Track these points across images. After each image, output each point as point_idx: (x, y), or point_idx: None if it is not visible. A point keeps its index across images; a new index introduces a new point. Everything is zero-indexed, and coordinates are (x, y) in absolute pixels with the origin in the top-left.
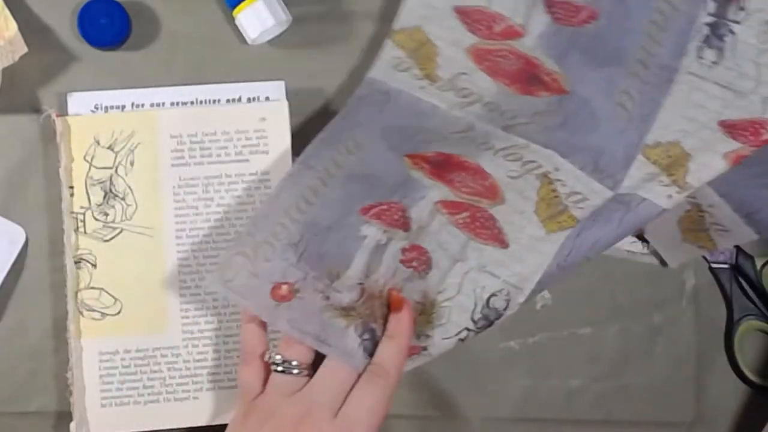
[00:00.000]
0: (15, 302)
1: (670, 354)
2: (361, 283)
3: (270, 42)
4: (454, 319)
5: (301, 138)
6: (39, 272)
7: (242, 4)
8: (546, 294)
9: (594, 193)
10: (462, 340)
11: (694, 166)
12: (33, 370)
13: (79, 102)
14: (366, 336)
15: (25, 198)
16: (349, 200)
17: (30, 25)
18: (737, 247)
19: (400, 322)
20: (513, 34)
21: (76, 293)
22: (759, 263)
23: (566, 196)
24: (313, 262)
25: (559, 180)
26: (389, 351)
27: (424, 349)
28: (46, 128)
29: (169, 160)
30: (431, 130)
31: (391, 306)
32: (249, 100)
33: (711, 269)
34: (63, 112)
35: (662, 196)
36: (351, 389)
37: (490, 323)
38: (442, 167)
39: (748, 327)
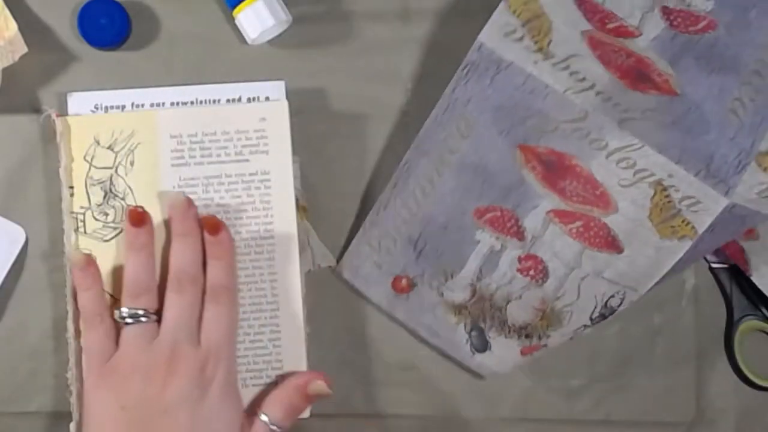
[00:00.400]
0: (15, 302)
1: (670, 354)
2: (472, 284)
3: (270, 42)
4: (574, 321)
5: (302, 138)
6: (39, 272)
7: (242, 4)
8: None
9: (707, 198)
10: (577, 334)
11: (557, 36)
12: (33, 370)
13: (79, 102)
14: (474, 333)
15: (25, 198)
16: (463, 196)
17: (30, 25)
18: None
19: (222, 244)
20: (626, 33)
21: (76, 293)
22: None
23: (679, 200)
24: (431, 260)
25: (672, 186)
26: (220, 271)
27: (544, 346)
28: (46, 128)
29: (169, 160)
30: (544, 113)
31: (207, 229)
32: (249, 100)
33: (711, 269)
34: (63, 112)
35: (529, 61)
36: (200, 316)
37: (604, 318)
38: (555, 171)
39: (748, 327)
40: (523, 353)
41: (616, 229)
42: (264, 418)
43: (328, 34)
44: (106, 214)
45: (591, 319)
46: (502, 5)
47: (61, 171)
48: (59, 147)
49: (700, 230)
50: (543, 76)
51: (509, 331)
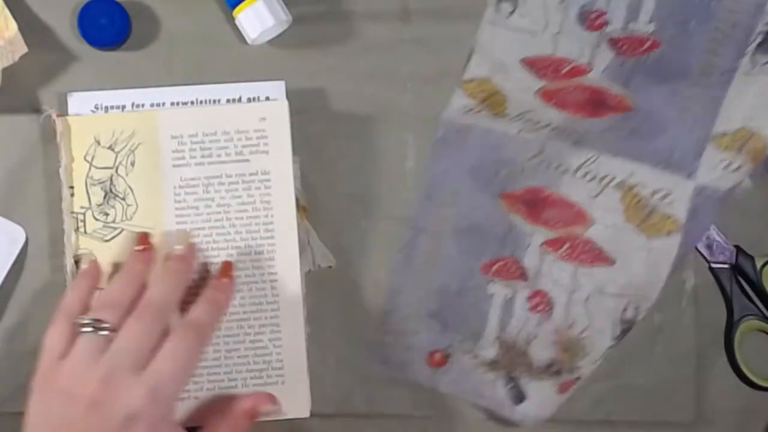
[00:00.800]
0: (15, 302)
1: (670, 354)
2: (498, 338)
3: (270, 42)
4: (597, 345)
5: (301, 138)
6: (39, 272)
7: (242, 4)
8: None
9: (674, 186)
10: (606, 358)
11: (512, 103)
12: (33, 370)
13: (79, 102)
14: (510, 385)
15: (25, 198)
16: (467, 258)
17: (30, 25)
18: (737, 247)
19: (224, 291)
20: (579, 72)
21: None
22: (759, 263)
23: (650, 195)
24: (457, 327)
25: (638, 183)
26: (206, 314)
27: (578, 378)
28: (46, 128)
29: (170, 160)
30: (510, 159)
31: (220, 271)
32: (249, 100)
33: (711, 269)
34: (63, 112)
35: (488, 121)
36: (163, 341)
37: (627, 332)
38: (534, 206)
39: (748, 327)
40: (560, 392)
41: (599, 240)
42: None
43: (328, 34)
44: (107, 214)
45: (614, 338)
46: (458, 90)
47: (61, 171)
48: (59, 147)
49: (682, 220)
50: (500, 128)
51: (539, 373)
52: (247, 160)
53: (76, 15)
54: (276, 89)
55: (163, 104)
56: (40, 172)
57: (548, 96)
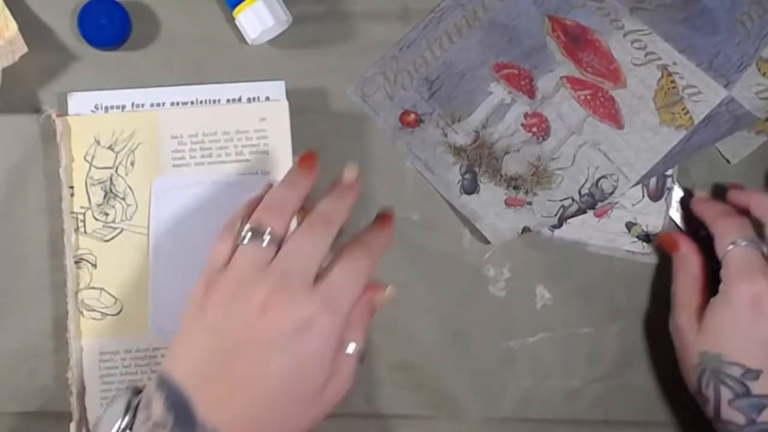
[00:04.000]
0: (15, 302)
1: (670, 354)
2: (477, 131)
3: (270, 42)
4: (564, 186)
5: (301, 138)
6: (39, 272)
7: (242, 4)
8: (546, 294)
9: (709, 89)
10: (564, 207)
11: None
12: (33, 370)
13: (79, 102)
14: (467, 175)
15: (25, 198)
16: (486, 49)
17: (30, 25)
18: None
19: (381, 237)
20: None
21: (76, 293)
22: None
23: (683, 88)
24: (442, 102)
25: (677, 73)
26: (374, 238)
27: (528, 203)
28: (46, 128)
29: (170, 160)
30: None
31: (377, 221)
32: (249, 100)
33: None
34: (63, 112)
35: None
36: (333, 260)
37: (594, 203)
38: (576, 42)
39: None
40: (507, 203)
41: (621, 103)
42: (352, 347)
43: (328, 34)
44: (106, 214)
45: (580, 193)
46: (752, 66)
47: (61, 171)
48: (59, 147)
49: (696, 120)
50: None
51: (500, 179)
52: (247, 160)
53: (76, 15)
54: (276, 89)
55: (163, 104)
56: (40, 172)
57: None
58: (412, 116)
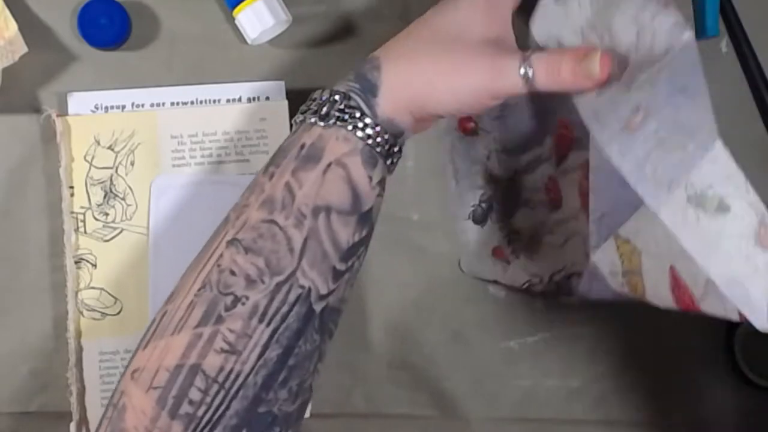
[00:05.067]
0: (15, 302)
1: (670, 354)
2: (516, 171)
3: (270, 42)
4: (541, 263)
5: None
6: (39, 272)
7: (242, 4)
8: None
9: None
10: (531, 284)
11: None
12: (33, 370)
13: (79, 102)
14: (483, 205)
15: (25, 198)
16: (565, 99)
17: (30, 25)
18: None
19: None
20: None
21: (76, 293)
22: None
23: None
24: (504, 128)
25: None
26: None
27: (507, 262)
28: (46, 128)
29: (170, 160)
30: None
31: None
32: (249, 100)
33: None
34: (63, 112)
35: None
36: None
37: (557, 294)
38: None
39: (748, 327)
40: (493, 252)
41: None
42: (525, 71)
43: (328, 34)
44: (106, 214)
45: (550, 278)
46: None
47: (61, 171)
48: (59, 147)
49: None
50: None
51: (504, 225)
52: (247, 160)
53: (76, 15)
54: (276, 89)
55: (163, 104)
56: (40, 172)
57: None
58: (472, 125)
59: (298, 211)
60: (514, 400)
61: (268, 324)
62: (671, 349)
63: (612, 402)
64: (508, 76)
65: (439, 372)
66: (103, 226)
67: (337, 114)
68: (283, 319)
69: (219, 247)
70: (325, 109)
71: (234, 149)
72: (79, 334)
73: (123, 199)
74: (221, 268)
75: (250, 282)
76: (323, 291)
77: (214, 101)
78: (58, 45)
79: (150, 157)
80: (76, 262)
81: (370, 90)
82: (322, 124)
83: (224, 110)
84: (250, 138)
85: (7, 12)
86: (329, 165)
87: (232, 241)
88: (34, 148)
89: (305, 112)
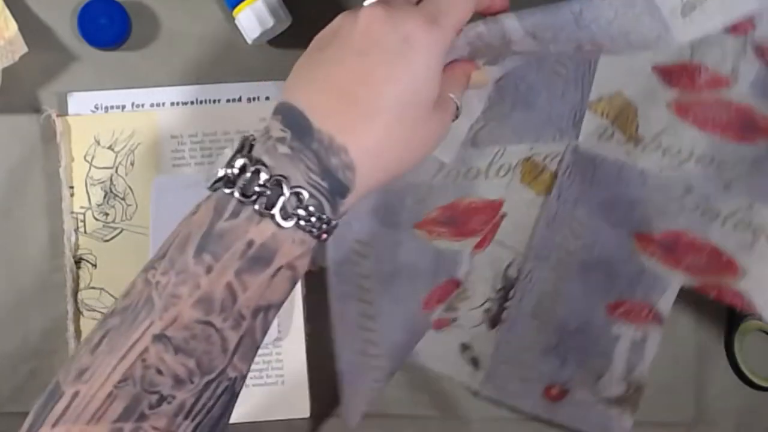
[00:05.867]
0: (15, 302)
1: (670, 354)
2: (626, 378)
3: (270, 42)
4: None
5: None
6: (39, 272)
7: (242, 4)
8: None
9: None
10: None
11: (643, 119)
12: (33, 370)
13: (79, 102)
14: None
15: (25, 198)
16: (592, 295)
17: (30, 25)
18: None
19: None
20: (719, 83)
21: (76, 293)
22: None
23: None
24: (577, 364)
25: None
26: None
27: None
28: (46, 128)
29: (170, 160)
30: (647, 199)
31: None
32: (249, 100)
33: None
34: (63, 112)
35: (620, 152)
36: None
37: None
38: (675, 251)
39: (748, 327)
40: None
41: (753, 293)
42: (453, 96)
43: None
44: (106, 214)
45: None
46: (588, 113)
47: (61, 171)
48: (59, 147)
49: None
50: (637, 163)
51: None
52: None
53: (76, 15)
54: (276, 89)
55: (163, 104)
56: (40, 172)
57: (683, 110)
58: (556, 389)
59: (238, 314)
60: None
61: (193, 419)
62: (671, 349)
63: None
64: (450, 124)
65: (439, 372)
66: (103, 226)
67: (298, 214)
68: (208, 412)
69: (143, 338)
70: (281, 205)
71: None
72: (79, 334)
73: (123, 199)
74: (146, 364)
75: (178, 382)
76: (246, 373)
77: (214, 101)
78: (58, 45)
79: (150, 157)
80: (76, 262)
81: (340, 192)
82: (280, 224)
83: (224, 110)
84: None
85: (7, 12)
86: (279, 269)
87: (160, 337)
88: (34, 148)
89: (249, 194)
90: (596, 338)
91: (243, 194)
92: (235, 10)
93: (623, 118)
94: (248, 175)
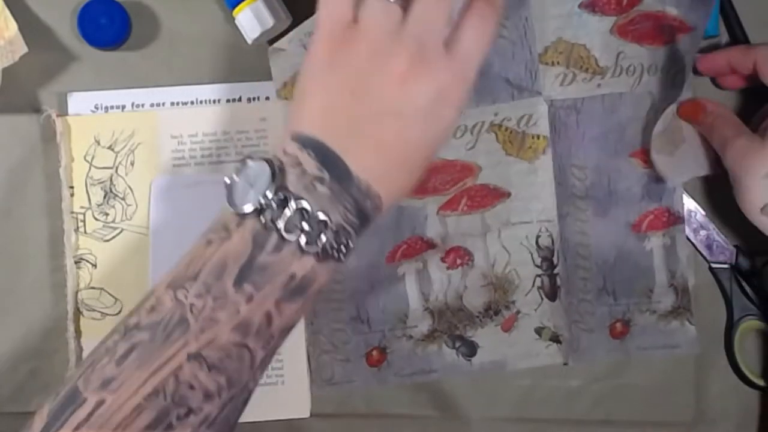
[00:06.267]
0: (15, 302)
1: (671, 354)
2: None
3: (270, 42)
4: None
5: None
6: (39, 272)
7: (242, 4)
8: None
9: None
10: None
11: (597, 51)
12: (33, 370)
13: (79, 102)
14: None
15: (25, 198)
16: (616, 224)
17: (30, 25)
18: (737, 247)
19: None
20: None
21: (76, 293)
22: (759, 263)
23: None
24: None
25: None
26: None
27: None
28: (46, 128)
29: (170, 160)
30: (633, 119)
31: None
32: (249, 100)
33: (711, 269)
34: (63, 112)
35: (594, 87)
36: (459, 23)
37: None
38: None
39: (748, 327)
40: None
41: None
42: None
43: None
44: (106, 214)
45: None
46: (540, 66)
47: (61, 171)
48: (59, 147)
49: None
50: (615, 90)
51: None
52: None
53: (76, 15)
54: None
55: (163, 104)
56: (40, 172)
57: (623, 31)
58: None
59: (270, 335)
60: (514, 400)
61: (215, 428)
62: (671, 349)
63: (612, 402)
64: None
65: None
66: (103, 226)
67: (336, 248)
68: (227, 420)
69: (177, 356)
70: (324, 241)
71: (234, 149)
72: (79, 334)
73: (123, 199)
74: (179, 380)
75: (207, 396)
76: (259, 380)
77: (214, 101)
78: (58, 45)
79: (150, 157)
80: (76, 262)
81: (366, 225)
82: (320, 257)
83: (224, 110)
84: (250, 138)
85: (7, 12)
86: (313, 294)
87: (196, 356)
88: (34, 148)
89: (291, 230)
90: (634, 261)
91: (285, 229)
92: (235, 10)
93: (576, 58)
94: (290, 212)
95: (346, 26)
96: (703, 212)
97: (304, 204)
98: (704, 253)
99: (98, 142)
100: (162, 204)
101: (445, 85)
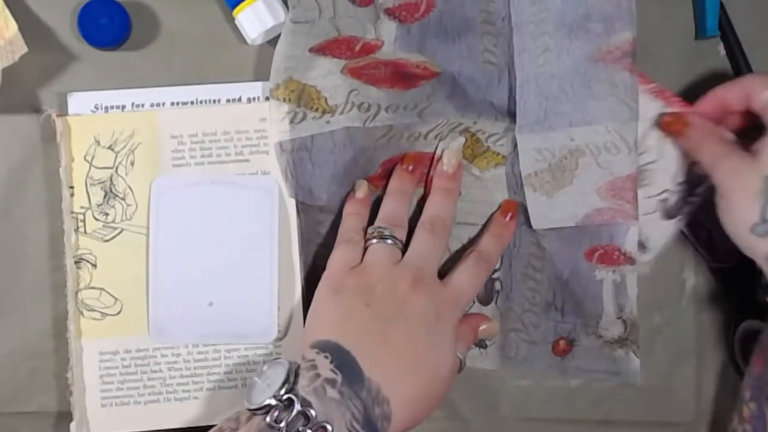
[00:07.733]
0: (15, 302)
1: (670, 354)
2: (620, 318)
3: (270, 42)
4: (658, 181)
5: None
6: (39, 272)
7: (242, 4)
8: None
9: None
10: (662, 201)
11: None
12: (33, 370)
13: (79, 102)
14: (639, 354)
15: (25, 198)
16: (569, 246)
17: (30, 25)
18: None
19: (507, 228)
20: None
21: (76, 293)
22: None
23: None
24: (576, 313)
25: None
26: (493, 244)
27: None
28: (46, 128)
29: (170, 160)
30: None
31: (501, 209)
32: (249, 100)
33: (711, 269)
34: (63, 112)
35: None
36: (455, 266)
37: (692, 190)
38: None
39: (748, 327)
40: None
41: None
42: (459, 355)
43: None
44: (106, 214)
45: (678, 183)
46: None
47: (61, 171)
48: (59, 147)
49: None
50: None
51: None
52: (247, 160)
53: (76, 15)
54: None
55: (163, 104)
56: (40, 172)
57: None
58: (562, 342)
59: None
60: (514, 400)
61: None
62: (671, 349)
63: (612, 402)
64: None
65: None
66: (103, 226)
67: None
68: None
69: None
70: None
71: (234, 149)
72: (79, 334)
73: (123, 199)
74: None
75: None
76: None
77: (214, 101)
78: (58, 45)
79: (150, 157)
80: (76, 262)
81: None
82: None
83: (224, 110)
84: (250, 138)
85: (7, 12)
86: None
87: None
88: (34, 148)
89: (291, 431)
90: (585, 285)
91: (287, 430)
92: (235, 10)
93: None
94: (293, 414)
95: (350, 268)
96: (702, 212)
97: (310, 410)
98: (704, 253)
99: (98, 142)
100: (162, 204)
101: (440, 305)
